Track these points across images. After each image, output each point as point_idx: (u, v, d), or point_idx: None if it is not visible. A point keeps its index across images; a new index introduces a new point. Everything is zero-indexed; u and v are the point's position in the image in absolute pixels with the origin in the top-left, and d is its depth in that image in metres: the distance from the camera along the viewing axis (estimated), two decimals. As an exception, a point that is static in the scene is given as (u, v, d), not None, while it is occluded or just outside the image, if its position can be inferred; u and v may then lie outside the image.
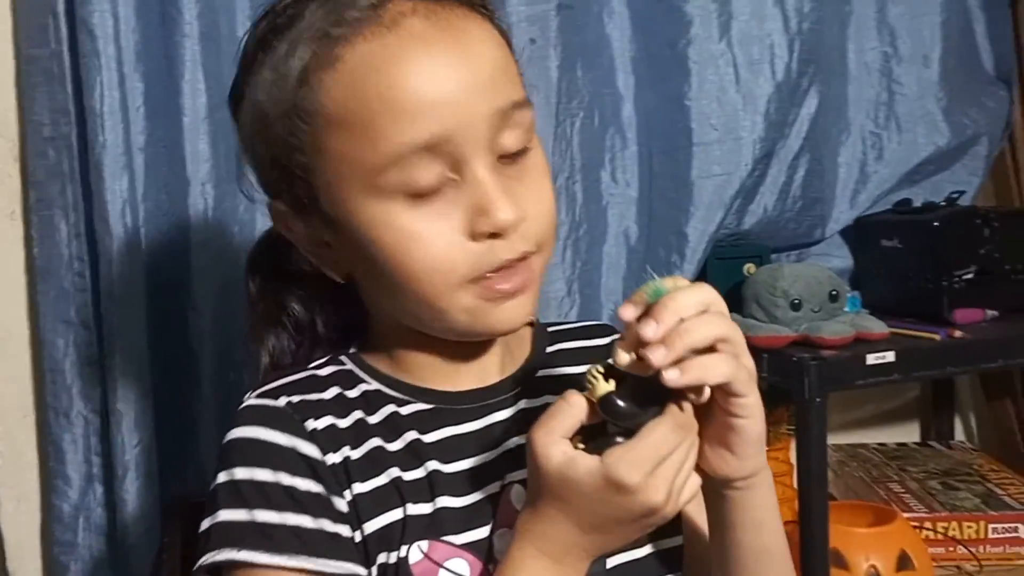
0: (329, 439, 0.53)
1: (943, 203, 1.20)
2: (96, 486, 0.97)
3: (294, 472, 0.52)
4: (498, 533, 0.55)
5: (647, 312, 0.47)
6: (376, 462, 0.54)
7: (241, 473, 0.52)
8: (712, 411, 0.50)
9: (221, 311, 1.03)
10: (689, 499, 0.51)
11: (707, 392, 0.49)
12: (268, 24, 0.54)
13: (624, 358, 0.48)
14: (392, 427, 0.56)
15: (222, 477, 0.53)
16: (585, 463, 0.47)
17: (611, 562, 0.56)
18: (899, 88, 1.26)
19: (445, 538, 0.54)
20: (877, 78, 1.26)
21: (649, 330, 0.46)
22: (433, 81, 0.50)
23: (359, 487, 0.53)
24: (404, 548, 0.53)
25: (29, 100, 0.96)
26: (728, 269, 1.16)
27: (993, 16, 1.31)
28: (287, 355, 0.63)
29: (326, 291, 0.62)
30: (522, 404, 0.60)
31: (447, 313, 0.53)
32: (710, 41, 1.14)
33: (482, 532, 0.55)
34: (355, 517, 0.53)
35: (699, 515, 0.60)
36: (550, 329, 0.67)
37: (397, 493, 0.54)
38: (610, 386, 0.48)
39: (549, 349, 0.65)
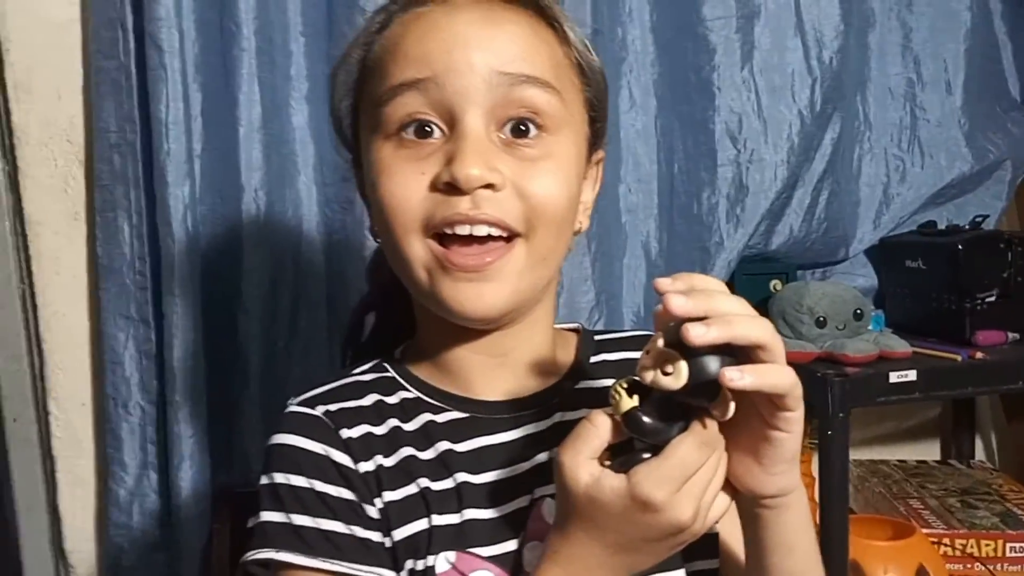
0: (363, 448, 0.56)
1: (967, 226, 1.23)
2: (151, 473, 1.03)
3: (327, 480, 0.54)
4: (528, 546, 0.55)
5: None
6: (407, 471, 0.56)
7: (279, 478, 0.55)
8: (749, 423, 0.48)
9: (268, 311, 1.08)
10: (718, 517, 0.50)
11: (732, 409, 0.47)
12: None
13: (649, 374, 0.46)
14: (426, 436, 0.57)
15: (264, 479, 0.56)
16: (611, 483, 0.47)
17: None
18: (922, 113, 1.29)
19: (472, 549, 0.54)
20: (901, 103, 1.29)
21: (686, 305, 0.44)
22: (439, 31, 0.54)
23: (389, 495, 0.55)
24: (431, 558, 0.53)
25: (97, 109, 1.02)
26: (755, 285, 1.20)
27: (1020, 44, 1.34)
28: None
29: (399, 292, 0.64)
30: (558, 417, 0.60)
31: (411, 265, 0.54)
32: (733, 68, 1.17)
33: (510, 545, 0.55)
34: (385, 524, 0.54)
35: (733, 537, 0.58)
36: (597, 338, 0.66)
37: (424, 503, 0.55)
38: (634, 402, 0.47)
39: (593, 359, 0.64)
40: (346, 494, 0.54)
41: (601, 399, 0.52)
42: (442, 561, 0.53)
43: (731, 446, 0.49)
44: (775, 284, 1.21)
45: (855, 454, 1.32)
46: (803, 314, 1.10)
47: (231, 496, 1.05)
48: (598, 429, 0.48)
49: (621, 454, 0.48)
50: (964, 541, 1.13)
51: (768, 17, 1.17)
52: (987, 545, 1.12)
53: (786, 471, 0.50)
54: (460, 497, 0.55)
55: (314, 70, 1.10)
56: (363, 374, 0.61)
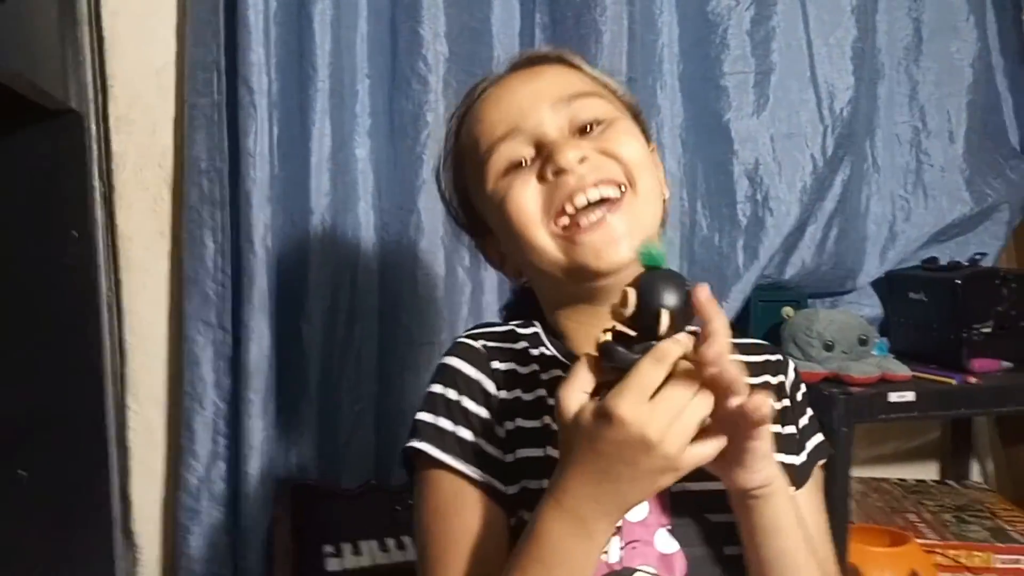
0: (507, 379, 0.66)
1: (967, 263, 1.34)
2: (220, 463, 1.15)
3: (473, 398, 0.65)
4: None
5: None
6: (538, 409, 0.65)
7: (439, 388, 0.66)
8: (731, 440, 0.54)
9: (328, 322, 1.20)
10: (706, 455, 0.53)
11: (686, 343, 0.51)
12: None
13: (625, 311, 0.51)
14: (555, 388, 0.62)
15: (429, 389, 0.67)
16: (589, 407, 0.52)
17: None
18: (927, 159, 1.41)
19: None
20: (908, 149, 1.41)
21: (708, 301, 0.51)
22: (507, 98, 0.68)
23: (521, 422, 0.65)
24: (545, 481, 0.58)
25: (190, 140, 1.15)
26: (769, 311, 1.31)
27: (1019, 98, 1.45)
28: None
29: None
30: None
31: (547, 253, 0.64)
32: (751, 116, 1.30)
33: None
34: (509, 444, 0.64)
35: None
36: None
37: (544, 435, 0.64)
38: (607, 337, 0.53)
39: None
40: (483, 413, 0.65)
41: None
42: None
43: (719, 457, 0.54)
44: (787, 311, 1.32)
45: (859, 472, 1.42)
46: (812, 338, 1.21)
47: (291, 487, 1.17)
48: (586, 366, 0.53)
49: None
50: (956, 551, 1.22)
51: (783, 71, 1.30)
52: (977, 556, 1.21)
53: (766, 466, 0.56)
54: None
55: (376, 108, 1.23)
56: (519, 326, 0.72)
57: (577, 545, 0.55)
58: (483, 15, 1.24)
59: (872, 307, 1.42)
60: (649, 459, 0.51)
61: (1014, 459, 1.46)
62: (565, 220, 0.64)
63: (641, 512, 0.63)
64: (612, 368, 0.52)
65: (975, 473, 1.52)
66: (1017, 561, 1.21)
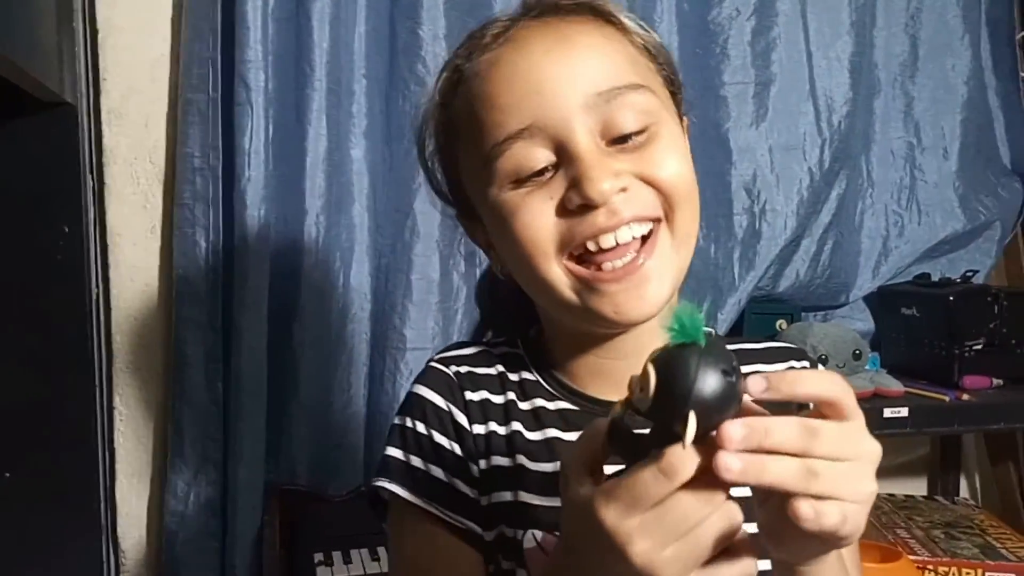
0: (479, 411, 0.60)
1: (959, 279, 1.35)
2: (209, 467, 1.12)
3: (444, 432, 0.59)
4: None
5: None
6: (512, 446, 0.59)
7: (408, 421, 0.60)
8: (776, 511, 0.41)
9: (320, 324, 1.18)
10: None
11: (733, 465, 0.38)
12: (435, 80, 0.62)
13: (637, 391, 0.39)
14: (536, 419, 0.60)
15: (397, 420, 0.61)
16: (582, 491, 0.42)
17: None
18: (921, 175, 1.42)
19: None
20: (902, 164, 1.42)
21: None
22: (522, 75, 0.54)
23: (496, 460, 0.59)
24: (520, 532, 0.56)
25: (183, 136, 1.13)
26: (762, 323, 1.31)
27: (1011, 117, 1.46)
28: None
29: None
30: None
31: (554, 288, 0.54)
32: (751, 128, 1.30)
33: None
34: (485, 486, 0.58)
35: None
36: (728, 347, 0.64)
37: (517, 478, 0.57)
38: (619, 410, 0.41)
39: None
40: (456, 449, 0.59)
41: None
42: (529, 537, 0.56)
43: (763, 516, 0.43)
44: (781, 323, 1.32)
45: (849, 486, 1.42)
46: (806, 351, 1.21)
47: (280, 492, 1.15)
48: (594, 434, 0.43)
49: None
50: (947, 568, 1.22)
51: (783, 83, 1.30)
52: (968, 573, 1.22)
53: (819, 545, 0.43)
54: (559, 483, 0.53)
55: (372, 109, 1.22)
56: (496, 346, 0.64)
57: None
58: (483, 17, 1.22)
59: (864, 321, 1.42)
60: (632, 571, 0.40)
61: (1002, 476, 1.47)
62: (584, 264, 0.54)
63: None
64: (616, 453, 0.41)
65: (963, 489, 1.52)
66: (1007, 578, 1.21)
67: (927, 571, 1.22)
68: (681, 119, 0.60)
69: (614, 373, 0.58)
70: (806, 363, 0.66)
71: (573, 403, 0.60)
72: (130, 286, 1.19)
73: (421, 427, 0.60)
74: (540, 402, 0.60)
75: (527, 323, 0.65)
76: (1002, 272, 1.50)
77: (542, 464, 0.58)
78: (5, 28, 0.76)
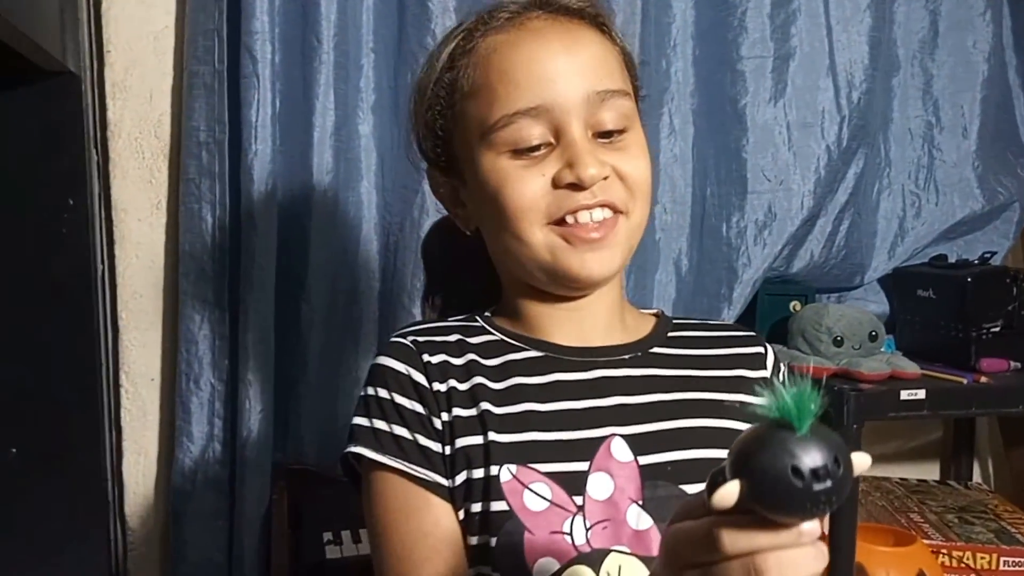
0: (439, 372, 0.65)
1: (976, 261, 1.32)
2: (216, 445, 1.11)
3: (404, 394, 0.64)
4: (593, 475, 0.62)
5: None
6: (473, 396, 0.64)
7: (370, 390, 0.65)
8: None
9: (327, 302, 1.17)
10: None
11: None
12: (441, 42, 0.70)
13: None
14: (503, 370, 0.66)
15: (362, 393, 0.66)
16: (681, 530, 0.44)
17: None
18: (939, 154, 1.38)
19: (532, 465, 0.62)
20: (920, 144, 1.39)
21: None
22: (541, 62, 0.63)
23: (457, 411, 0.64)
24: (494, 468, 0.61)
25: (188, 109, 1.11)
26: (776, 304, 1.29)
27: (1032, 96, 1.44)
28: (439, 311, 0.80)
29: (475, 264, 0.73)
30: (628, 370, 0.67)
31: (533, 249, 0.64)
32: (768, 103, 1.27)
33: (573, 466, 0.62)
34: (447, 435, 0.63)
35: None
36: (675, 320, 0.74)
37: (481, 423, 0.63)
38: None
39: (670, 334, 0.71)
40: (418, 407, 0.64)
41: (677, 363, 0.66)
42: (504, 472, 0.61)
43: None
44: (795, 305, 1.30)
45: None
46: (822, 333, 1.19)
47: (287, 471, 1.14)
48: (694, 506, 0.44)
49: None
50: (961, 553, 1.21)
51: (803, 57, 1.27)
52: (983, 558, 1.20)
53: None
54: (526, 421, 0.63)
55: (380, 83, 1.19)
56: (452, 320, 0.71)
57: None
58: (494, -9, 1.20)
59: (878, 303, 1.40)
60: None
61: (1015, 460, 1.45)
62: (564, 229, 0.64)
63: (606, 489, 0.62)
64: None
65: (976, 474, 1.51)
66: (1023, 564, 1.19)
67: (941, 555, 1.21)
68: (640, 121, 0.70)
69: (574, 321, 0.68)
70: (760, 348, 0.72)
71: (538, 350, 0.68)
72: (135, 263, 1.17)
73: (383, 392, 0.65)
74: (509, 356, 0.67)
75: (477, 279, 0.73)
76: (1020, 254, 1.48)
77: (508, 407, 0.64)
78: (7, -6, 0.73)
